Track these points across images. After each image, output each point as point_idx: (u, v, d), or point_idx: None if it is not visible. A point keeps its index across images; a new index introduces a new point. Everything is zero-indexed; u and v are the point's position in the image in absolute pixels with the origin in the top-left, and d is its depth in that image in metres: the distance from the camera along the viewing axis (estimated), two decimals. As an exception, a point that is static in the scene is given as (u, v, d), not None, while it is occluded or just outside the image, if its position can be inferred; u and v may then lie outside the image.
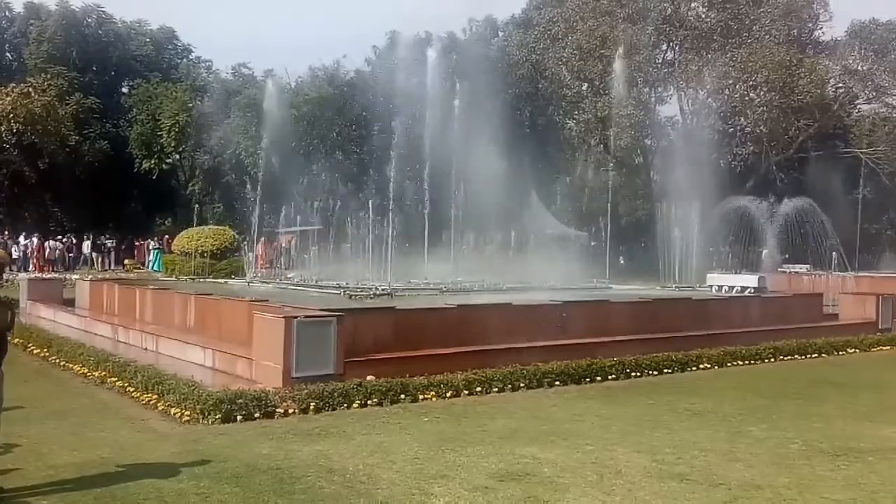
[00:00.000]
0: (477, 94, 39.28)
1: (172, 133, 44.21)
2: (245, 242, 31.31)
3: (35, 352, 13.03)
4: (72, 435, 7.72)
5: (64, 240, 37.73)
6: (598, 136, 39.35)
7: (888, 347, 15.79)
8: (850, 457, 7.30)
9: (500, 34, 48.51)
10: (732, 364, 12.98)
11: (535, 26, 40.81)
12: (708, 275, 18.97)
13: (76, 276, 24.38)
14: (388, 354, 10.61)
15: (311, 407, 8.77)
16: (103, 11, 51.59)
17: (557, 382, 10.72)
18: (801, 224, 26.69)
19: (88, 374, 10.79)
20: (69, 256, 36.19)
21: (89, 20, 51.17)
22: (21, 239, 35.42)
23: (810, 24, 41.40)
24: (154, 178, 46.59)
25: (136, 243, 41.37)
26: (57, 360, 12.03)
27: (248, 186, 41.07)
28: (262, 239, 35.33)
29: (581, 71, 38.64)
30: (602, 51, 36.84)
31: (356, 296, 14.50)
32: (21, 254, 34.21)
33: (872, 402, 10.17)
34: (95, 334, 14.74)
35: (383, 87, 42.47)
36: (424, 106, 40.96)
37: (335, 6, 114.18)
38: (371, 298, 14.19)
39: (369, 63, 46.74)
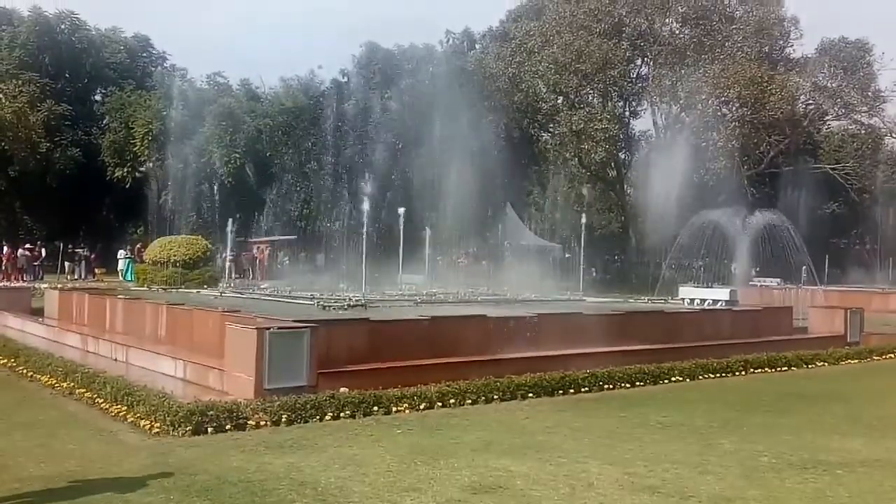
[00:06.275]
0: (453, 106, 39.50)
1: (146, 141, 43.80)
2: (220, 254, 31.07)
3: (2, 362, 12.82)
4: (39, 447, 7.60)
5: (28, 247, 37.04)
6: (572, 149, 39.62)
7: (856, 361, 15.94)
8: (818, 469, 7.38)
9: (478, 47, 48.76)
10: (704, 377, 13.04)
11: (511, 39, 41.09)
12: (680, 287, 19.11)
13: (45, 286, 24.04)
14: (362, 366, 10.57)
15: (283, 419, 8.70)
16: (77, 18, 51.07)
17: (531, 395, 10.72)
18: (772, 238, 27.02)
19: (56, 385, 10.63)
20: (34, 266, 35.52)
21: (63, 27, 50.59)
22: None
23: (781, 42, 42.22)
24: (127, 186, 46.06)
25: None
26: (24, 371, 11.82)
27: (221, 196, 40.90)
28: (254, 246, 34.99)
29: (556, 84, 38.97)
30: (578, 65, 37.17)
31: (330, 307, 14.43)
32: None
33: (841, 415, 10.29)
34: (64, 345, 14.55)
35: (359, 98, 42.54)
36: (400, 117, 41.19)
37: (313, 18, 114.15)
38: (345, 309, 14.14)
39: (345, 74, 46.77)
